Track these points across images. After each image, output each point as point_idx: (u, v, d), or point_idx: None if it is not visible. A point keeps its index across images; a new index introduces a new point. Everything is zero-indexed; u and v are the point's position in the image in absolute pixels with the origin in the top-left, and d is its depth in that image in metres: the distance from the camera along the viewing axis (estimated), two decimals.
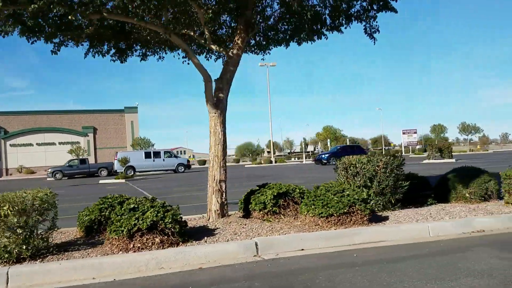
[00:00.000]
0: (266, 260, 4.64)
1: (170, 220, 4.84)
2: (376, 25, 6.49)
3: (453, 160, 28.34)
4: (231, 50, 6.07)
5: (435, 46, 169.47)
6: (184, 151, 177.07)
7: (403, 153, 63.93)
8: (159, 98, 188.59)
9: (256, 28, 6.35)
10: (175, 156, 35.98)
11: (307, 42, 7.19)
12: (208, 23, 5.58)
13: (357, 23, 6.68)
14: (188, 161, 36.84)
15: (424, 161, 29.17)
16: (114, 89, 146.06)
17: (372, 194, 6.66)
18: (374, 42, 6.67)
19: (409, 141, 60.46)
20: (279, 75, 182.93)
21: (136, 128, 57.41)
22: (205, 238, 5.20)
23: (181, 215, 5.09)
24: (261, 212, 6.38)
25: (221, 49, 6.35)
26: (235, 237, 5.23)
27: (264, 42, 6.96)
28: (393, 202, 6.78)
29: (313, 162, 39.39)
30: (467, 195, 7.46)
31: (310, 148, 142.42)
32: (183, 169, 34.90)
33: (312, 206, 5.80)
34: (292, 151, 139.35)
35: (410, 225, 5.70)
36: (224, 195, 6.01)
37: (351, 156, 7.20)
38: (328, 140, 58.57)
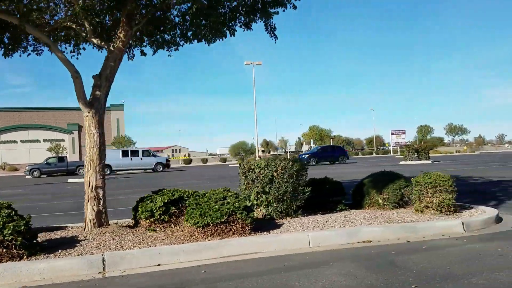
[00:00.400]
0: (107, 278, 4.26)
1: (10, 232, 4.46)
2: (273, 23, 6.11)
3: (429, 162, 28.03)
4: (112, 44, 5.69)
5: (434, 46, 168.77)
6: (179, 150, 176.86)
7: (391, 153, 63.63)
8: (155, 95, 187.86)
9: (143, 21, 5.93)
10: (154, 155, 35.52)
11: (214, 40, 6.82)
12: (81, 14, 5.16)
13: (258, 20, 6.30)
14: (168, 160, 36.36)
15: (401, 163, 28.83)
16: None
17: (271, 200, 6.31)
18: (275, 40, 6.30)
19: (398, 142, 60.07)
20: (277, 74, 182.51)
21: (122, 126, 56.96)
22: (60, 251, 4.82)
23: (28, 226, 4.69)
24: (148, 220, 6.00)
25: (103, 43, 5.94)
26: (93, 250, 4.84)
27: (158, 36, 6.56)
28: (294, 208, 6.42)
29: None
30: (380, 201, 7.12)
31: (305, 147, 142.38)
32: (161, 168, 34.49)
33: (191, 215, 5.43)
34: (287, 150, 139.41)
35: (291, 235, 5.33)
36: (101, 203, 5.62)
37: (250, 160, 6.83)
38: (311, 140, 58.00)
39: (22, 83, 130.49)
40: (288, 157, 7.23)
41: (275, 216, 6.33)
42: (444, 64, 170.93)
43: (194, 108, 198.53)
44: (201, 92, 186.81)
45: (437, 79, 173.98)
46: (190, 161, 59.40)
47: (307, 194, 6.48)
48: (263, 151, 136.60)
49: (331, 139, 67.47)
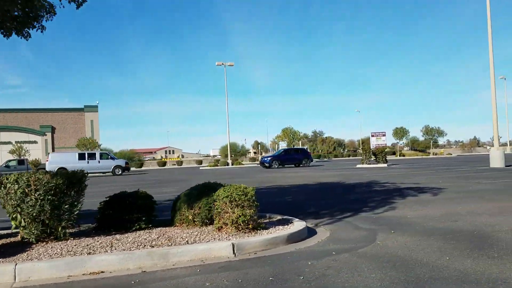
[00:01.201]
0: None
1: None
2: None
3: (385, 165, 27.08)
4: None
5: (434, 48, 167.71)
6: (173, 151, 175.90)
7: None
8: (151, 95, 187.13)
9: None
10: (112, 158, 34.51)
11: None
12: None
13: None
14: (127, 163, 35.33)
15: (357, 166, 27.87)
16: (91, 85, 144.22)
17: (28, 221, 5.34)
18: None
19: (378, 144, 59.11)
20: (274, 75, 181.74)
21: (96, 127, 56.03)
22: None
23: None
24: None
25: None
26: None
27: None
28: (60, 230, 5.44)
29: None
30: (190, 217, 6.13)
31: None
32: (120, 172, 33.50)
33: None
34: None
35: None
36: None
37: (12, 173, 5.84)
38: (280, 142, 56.86)
39: None
40: None
41: (33, 239, 5.36)
42: (445, 65, 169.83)
43: (189, 108, 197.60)
44: (197, 92, 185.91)
45: (436, 80, 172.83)
46: (201, 162, 59.15)
47: (75, 213, 5.50)
48: (254, 153, 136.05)
49: (300, 142, 65.96)
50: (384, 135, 60.77)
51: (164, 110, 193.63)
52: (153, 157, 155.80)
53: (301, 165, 33.29)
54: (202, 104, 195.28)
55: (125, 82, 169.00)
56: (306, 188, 13.06)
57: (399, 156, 56.24)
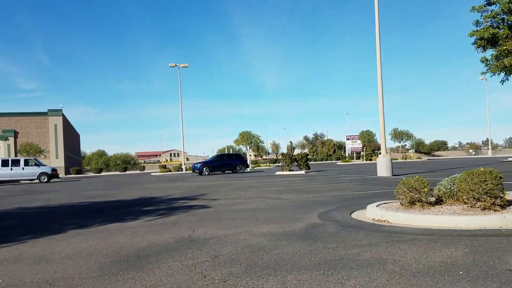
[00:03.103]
0: None
1: None
2: None
3: (303, 172, 24.49)
4: None
5: (435, 50, 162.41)
6: (177, 154, 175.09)
7: (336, 160, 59.57)
8: (163, 98, 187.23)
9: None
10: (38, 165, 32.83)
11: None
12: None
13: None
14: (54, 169, 33.54)
15: (277, 173, 25.36)
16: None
17: None
18: None
19: (353, 147, 56.23)
20: (281, 78, 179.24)
21: (60, 132, 54.80)
22: None
23: None
24: None
25: None
26: None
27: None
28: None
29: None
30: None
31: (297, 151, 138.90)
32: (46, 179, 31.88)
33: None
34: (279, 154, 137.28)
35: None
36: None
37: None
38: (236, 147, 54.19)
39: None
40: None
41: None
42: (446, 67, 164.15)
43: (194, 112, 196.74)
44: (205, 96, 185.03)
45: (435, 82, 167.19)
46: (143, 167, 57.41)
47: None
48: (255, 155, 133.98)
49: (257, 144, 62.48)
50: (358, 138, 57.85)
51: (175, 113, 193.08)
52: (158, 160, 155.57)
53: (235, 171, 30.98)
54: (215, 107, 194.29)
55: (134, 86, 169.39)
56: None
57: (366, 160, 52.95)
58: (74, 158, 65.85)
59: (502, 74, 22.46)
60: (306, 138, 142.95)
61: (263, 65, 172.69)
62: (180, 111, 44.39)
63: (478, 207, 6.15)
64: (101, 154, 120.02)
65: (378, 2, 18.25)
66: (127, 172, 53.93)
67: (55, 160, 52.87)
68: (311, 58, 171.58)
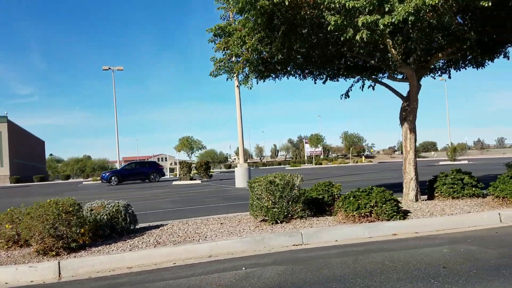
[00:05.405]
0: None
1: None
2: None
3: (199, 182, 22.45)
4: None
5: None
6: (166, 158, 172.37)
7: (286, 165, 57.43)
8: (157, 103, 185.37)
9: None
10: None
11: None
12: None
13: None
14: None
15: (174, 183, 23.27)
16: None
17: None
18: None
19: (312, 151, 54.32)
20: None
21: (4, 140, 52.55)
22: None
23: None
24: None
25: None
26: None
27: None
28: None
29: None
30: None
31: (282, 154, 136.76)
32: None
33: None
34: (262, 157, 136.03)
35: None
36: None
37: None
38: (175, 153, 51.62)
39: None
40: None
41: None
42: None
43: (186, 116, 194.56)
44: (210, 99, 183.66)
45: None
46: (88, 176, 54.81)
47: None
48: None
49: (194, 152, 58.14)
50: (319, 142, 55.90)
51: (174, 118, 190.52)
52: None
53: (147, 181, 28.83)
54: (213, 110, 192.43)
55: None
56: None
57: (316, 165, 50.77)
58: (32, 166, 63.81)
59: None
60: (290, 141, 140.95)
61: None
62: (115, 118, 42.14)
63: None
64: (78, 160, 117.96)
65: None
66: (69, 181, 51.74)
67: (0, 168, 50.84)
68: None
